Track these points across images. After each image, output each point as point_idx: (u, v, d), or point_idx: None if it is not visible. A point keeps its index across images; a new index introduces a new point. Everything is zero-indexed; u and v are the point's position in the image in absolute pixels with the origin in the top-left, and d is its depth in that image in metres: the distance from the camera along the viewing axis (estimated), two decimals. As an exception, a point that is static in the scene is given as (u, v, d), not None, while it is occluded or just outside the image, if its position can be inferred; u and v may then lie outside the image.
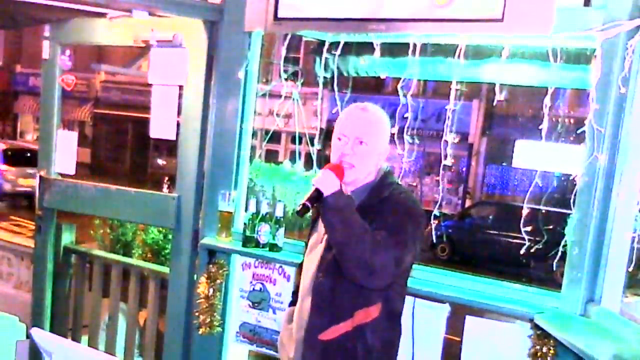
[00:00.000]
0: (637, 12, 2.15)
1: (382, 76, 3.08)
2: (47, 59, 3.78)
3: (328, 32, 2.92)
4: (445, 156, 2.76)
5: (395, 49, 2.84)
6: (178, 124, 3.30)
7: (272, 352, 3.07)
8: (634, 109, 2.18)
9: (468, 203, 17.73)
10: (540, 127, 2.44)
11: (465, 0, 2.45)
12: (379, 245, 1.97)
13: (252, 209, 2.98)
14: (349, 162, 2.11)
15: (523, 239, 2.59)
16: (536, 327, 2.32)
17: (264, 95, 3.29)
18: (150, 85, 3.36)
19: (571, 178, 2.34)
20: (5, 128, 29.07)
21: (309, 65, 3.28)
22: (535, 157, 2.91)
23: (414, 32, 2.64)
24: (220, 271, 3.11)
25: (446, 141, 2.76)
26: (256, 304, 3.11)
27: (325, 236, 2.13)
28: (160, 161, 22.58)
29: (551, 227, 2.82)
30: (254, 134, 3.24)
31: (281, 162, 3.55)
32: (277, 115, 3.25)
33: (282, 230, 2.97)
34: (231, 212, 3.10)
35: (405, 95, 2.80)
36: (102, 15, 3.48)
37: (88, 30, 3.63)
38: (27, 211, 14.81)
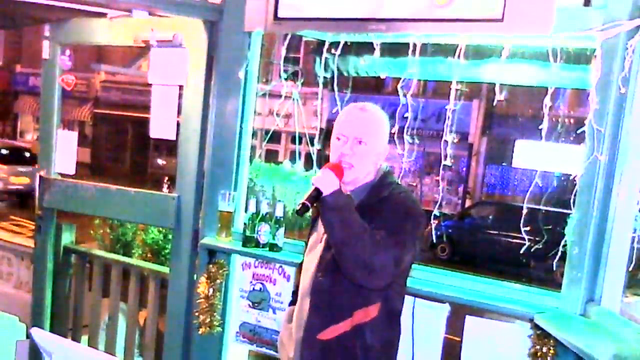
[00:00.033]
0: (637, 12, 2.14)
1: (382, 76, 3.08)
2: (47, 58, 3.78)
3: (328, 32, 2.92)
4: (445, 156, 2.76)
5: (395, 49, 2.84)
6: (178, 124, 3.30)
7: (272, 352, 3.07)
8: (634, 109, 2.18)
9: (468, 203, 17.74)
10: (540, 127, 2.44)
11: (465, 0, 2.44)
12: (378, 245, 1.97)
13: (252, 209, 2.98)
14: (348, 162, 2.11)
15: (523, 238, 2.59)
16: (536, 327, 2.32)
17: (264, 95, 3.29)
18: (150, 85, 3.36)
19: (571, 178, 2.34)
20: (5, 128, 29.08)
21: (309, 65, 3.28)
22: (535, 157, 2.91)
23: (414, 32, 2.64)
24: (220, 271, 3.11)
25: (446, 141, 2.76)
26: (256, 304, 3.11)
27: (325, 236, 2.14)
28: (160, 161, 22.59)
29: (551, 227, 2.82)
30: (254, 134, 3.23)
31: (281, 162, 3.55)
32: (277, 115, 3.25)
33: (282, 230, 2.97)
34: (231, 212, 3.10)
35: (405, 95, 2.80)
36: (102, 15, 3.48)
37: (88, 30, 3.63)
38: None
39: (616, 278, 2.23)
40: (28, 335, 4.00)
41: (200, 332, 3.13)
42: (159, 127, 3.36)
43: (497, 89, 2.62)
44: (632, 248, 2.22)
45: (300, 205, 2.02)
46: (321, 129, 3.26)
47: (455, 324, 2.66)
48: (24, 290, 4.92)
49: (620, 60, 2.17)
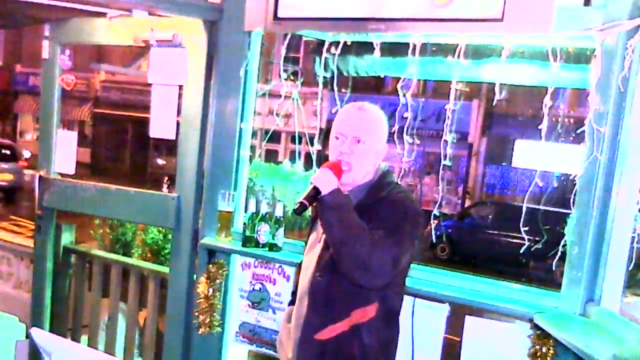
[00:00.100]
0: (637, 12, 2.14)
1: (382, 76, 3.08)
2: (47, 58, 3.78)
3: (328, 32, 2.92)
4: (445, 156, 2.76)
5: (395, 49, 2.84)
6: (178, 124, 3.30)
7: (271, 352, 3.07)
8: (634, 108, 2.18)
9: (468, 203, 17.74)
10: (540, 127, 2.44)
11: (465, 0, 2.44)
12: (376, 245, 1.97)
13: (252, 208, 2.98)
14: (347, 161, 2.11)
15: (523, 238, 2.59)
16: (536, 327, 2.32)
17: (263, 95, 3.29)
18: (150, 85, 3.36)
19: (571, 178, 2.34)
20: (5, 128, 29.08)
21: (309, 65, 3.28)
22: (535, 157, 2.91)
23: (413, 32, 2.64)
24: (220, 271, 3.11)
25: (446, 141, 2.76)
26: (256, 304, 3.11)
27: (324, 235, 2.13)
28: (160, 161, 22.59)
29: (551, 226, 2.82)
30: (254, 134, 3.23)
31: (281, 162, 3.55)
32: (277, 115, 3.25)
33: (281, 230, 2.97)
34: (231, 212, 3.10)
35: (405, 95, 2.80)
36: (102, 15, 3.48)
37: (88, 30, 3.63)
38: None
39: (616, 278, 2.22)
40: (28, 335, 4.00)
41: (200, 332, 3.13)
42: (159, 127, 3.35)
43: (497, 88, 2.62)
44: (632, 248, 2.22)
45: (299, 204, 2.01)
46: (321, 129, 3.26)
47: (455, 324, 2.66)
48: (24, 290, 4.92)
49: (620, 60, 2.17)
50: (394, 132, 2.70)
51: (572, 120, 2.68)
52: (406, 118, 2.77)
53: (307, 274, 2.21)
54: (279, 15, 2.89)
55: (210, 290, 3.10)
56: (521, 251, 2.74)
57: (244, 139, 3.15)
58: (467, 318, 2.59)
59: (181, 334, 3.31)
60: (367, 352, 2.11)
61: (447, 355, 2.67)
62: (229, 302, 3.19)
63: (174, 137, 3.32)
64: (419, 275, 2.64)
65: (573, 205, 2.31)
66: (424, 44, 2.70)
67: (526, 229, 2.54)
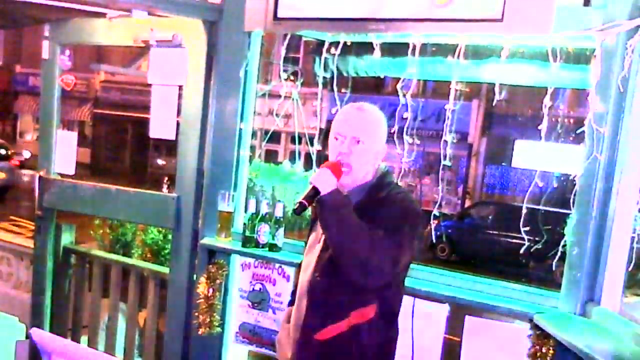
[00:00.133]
0: (636, 12, 2.14)
1: (382, 76, 3.08)
2: (47, 59, 3.78)
3: (327, 32, 2.92)
4: (445, 156, 2.76)
5: (395, 49, 2.84)
6: (178, 124, 3.30)
7: (271, 353, 3.06)
8: (634, 109, 2.18)
9: (468, 203, 17.74)
10: (539, 127, 2.44)
11: (465, 0, 2.44)
12: (375, 245, 1.97)
13: (252, 209, 2.98)
14: (347, 162, 2.11)
15: (523, 239, 2.59)
16: (536, 327, 2.32)
17: (263, 95, 3.29)
18: (150, 85, 3.36)
19: (571, 178, 2.34)
20: (5, 128, 29.08)
21: (309, 65, 3.28)
22: (535, 157, 2.91)
23: (413, 32, 2.64)
24: (220, 271, 3.11)
25: (446, 141, 2.76)
26: (256, 304, 3.11)
27: (323, 236, 2.13)
28: (159, 161, 22.58)
29: (551, 227, 2.82)
30: (254, 134, 3.24)
31: (281, 162, 3.55)
32: (277, 115, 3.25)
33: (281, 231, 2.97)
34: (231, 212, 3.10)
35: (404, 95, 2.80)
36: (102, 15, 3.48)
37: (88, 30, 3.63)
38: None
39: (616, 278, 2.23)
40: (28, 336, 4.00)
41: (199, 333, 3.12)
42: (159, 127, 3.36)
43: (496, 89, 2.62)
44: (631, 248, 2.22)
45: (298, 205, 2.02)
46: (321, 129, 3.26)
47: (455, 324, 2.66)
48: (24, 291, 4.92)
49: (619, 60, 2.17)
50: (393, 133, 2.70)
51: (572, 121, 2.69)
52: (406, 118, 2.77)
53: (307, 274, 2.21)
54: (279, 15, 2.89)
55: (210, 290, 3.10)
56: (521, 251, 2.74)
57: (244, 139, 3.15)
58: (467, 318, 2.59)
59: (181, 335, 3.31)
60: (366, 352, 2.11)
61: (447, 355, 2.67)
62: (229, 302, 3.19)
63: (173, 138, 3.32)
64: (419, 275, 2.65)
65: (573, 206, 2.32)
66: (424, 44, 2.70)
67: (526, 229, 2.54)
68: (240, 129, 3.13)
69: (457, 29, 2.49)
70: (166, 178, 5.48)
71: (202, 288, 3.11)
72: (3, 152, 17.64)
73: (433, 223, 2.79)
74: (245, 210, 3.07)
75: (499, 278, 2.70)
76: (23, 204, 15.73)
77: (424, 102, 3.29)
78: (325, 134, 2.42)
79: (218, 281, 3.11)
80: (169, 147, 18.65)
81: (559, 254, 2.39)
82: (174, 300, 3.36)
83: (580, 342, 2.02)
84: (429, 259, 12.58)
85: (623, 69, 2.16)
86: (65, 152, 3.82)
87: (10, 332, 4.10)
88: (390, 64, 2.92)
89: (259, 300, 3.11)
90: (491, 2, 2.37)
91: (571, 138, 2.46)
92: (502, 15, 2.35)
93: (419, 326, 2.61)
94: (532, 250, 2.69)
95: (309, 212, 2.14)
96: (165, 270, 3.68)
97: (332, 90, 3.17)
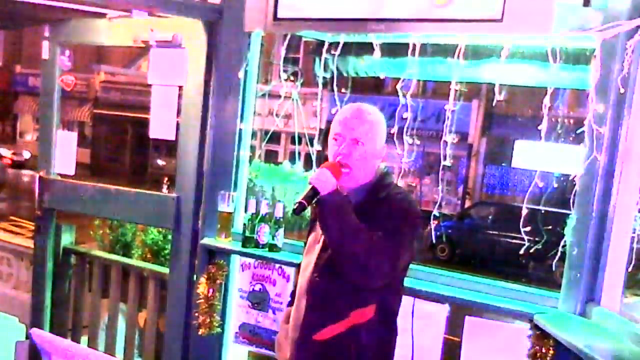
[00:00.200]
0: (636, 12, 2.15)
1: (382, 76, 3.08)
2: (47, 59, 3.78)
3: (327, 32, 2.92)
4: (445, 156, 2.76)
5: (394, 49, 2.84)
6: (177, 124, 3.30)
7: (271, 353, 3.05)
8: (634, 109, 2.18)
9: (468, 203, 17.74)
10: (539, 128, 2.44)
11: (465, 0, 2.45)
12: (374, 246, 1.97)
13: (252, 209, 2.98)
14: (346, 163, 2.11)
15: (522, 239, 2.59)
16: (535, 327, 2.32)
17: (263, 95, 3.29)
18: (150, 85, 3.36)
19: (571, 178, 2.34)
20: (5, 128, 29.09)
21: (309, 65, 3.28)
22: (535, 157, 2.91)
23: (413, 32, 2.64)
24: (220, 272, 3.11)
25: (445, 141, 2.76)
26: (256, 305, 3.11)
27: (322, 236, 2.13)
28: (159, 161, 22.59)
29: (551, 227, 2.82)
30: (254, 135, 3.23)
31: (281, 163, 3.56)
32: (277, 115, 3.24)
33: (281, 231, 2.97)
34: (231, 213, 3.09)
35: (404, 96, 2.80)
36: (102, 15, 3.48)
37: (88, 31, 3.63)
38: None
39: (616, 278, 2.23)
40: (28, 336, 4.00)
41: (199, 333, 3.12)
42: (159, 128, 3.35)
43: (496, 89, 2.62)
44: (631, 248, 2.22)
45: (297, 205, 2.01)
46: (321, 130, 3.26)
47: (455, 324, 2.66)
48: (24, 291, 4.92)
49: (619, 60, 2.17)
50: (393, 133, 2.69)
51: (571, 121, 2.68)
52: (406, 118, 2.77)
53: (306, 275, 2.21)
54: (279, 15, 2.89)
55: (210, 290, 3.09)
56: (521, 251, 2.74)
57: (244, 139, 3.15)
58: (467, 318, 2.59)
59: (181, 335, 3.31)
60: (365, 352, 2.11)
61: (447, 356, 2.67)
62: (229, 302, 3.19)
63: (173, 138, 3.32)
64: (419, 275, 2.64)
65: (573, 206, 2.32)
66: (424, 45, 2.70)
67: (526, 229, 2.54)
68: (240, 129, 3.13)
69: (457, 29, 2.49)
70: (166, 178, 5.48)
71: (202, 288, 3.10)
72: None
73: (433, 223, 2.79)
74: (245, 211, 3.07)
75: (499, 278, 2.70)
76: (23, 204, 15.75)
77: (423, 102, 3.29)
78: (325, 134, 2.42)
79: (218, 281, 3.11)
80: (169, 148, 18.67)
81: (559, 254, 2.39)
82: (174, 301, 3.36)
83: (580, 342, 2.02)
84: (429, 259, 12.58)
85: (623, 69, 2.16)
86: (65, 153, 3.81)
87: (10, 333, 4.09)
88: (390, 64, 2.92)
89: (259, 300, 3.11)
90: (491, 2, 2.37)
91: (571, 138, 2.46)
92: (502, 15, 2.35)
93: (419, 326, 2.61)
94: (532, 250, 2.69)
95: (308, 212, 2.14)
96: (165, 270, 3.68)
97: (332, 90, 3.17)
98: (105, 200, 3.60)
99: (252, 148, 3.24)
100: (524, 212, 2.54)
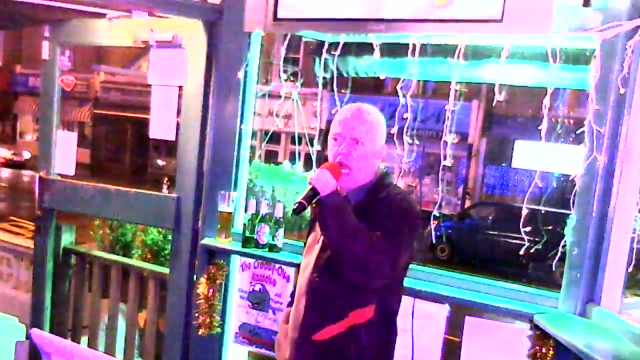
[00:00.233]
0: (636, 12, 2.15)
1: (382, 77, 3.08)
2: (47, 59, 3.78)
3: (327, 33, 2.92)
4: (445, 157, 2.76)
5: (394, 50, 2.84)
6: (178, 125, 3.30)
7: (271, 353, 3.05)
8: (634, 109, 2.19)
9: (468, 203, 17.74)
10: (539, 128, 2.44)
11: (465, 0, 2.45)
12: (374, 246, 1.97)
13: (252, 209, 2.98)
14: (346, 163, 2.11)
15: (523, 239, 2.59)
16: (536, 327, 2.32)
17: (263, 95, 3.29)
18: (150, 85, 3.36)
19: (571, 178, 2.34)
20: (5, 128, 29.09)
21: (309, 65, 3.28)
22: (535, 157, 2.91)
23: (413, 33, 2.64)
24: (220, 272, 3.11)
25: (445, 142, 2.76)
26: (256, 305, 3.11)
27: (322, 236, 2.13)
28: (159, 162, 22.59)
29: (551, 227, 2.82)
30: (254, 135, 3.23)
31: (281, 163, 3.55)
32: (277, 115, 3.24)
33: (281, 231, 2.97)
34: (231, 213, 3.09)
35: (404, 96, 2.80)
36: (102, 15, 3.48)
37: (88, 31, 3.63)
38: None
39: (616, 278, 2.23)
40: (28, 336, 4.00)
41: (199, 333, 3.12)
42: (159, 128, 3.35)
43: (496, 89, 2.62)
44: (631, 248, 2.22)
45: (297, 205, 2.02)
46: (321, 130, 3.26)
47: (455, 324, 2.66)
48: (24, 291, 4.92)
49: (619, 60, 2.17)
50: (393, 133, 2.69)
51: (571, 121, 2.68)
52: (406, 119, 2.77)
53: (305, 275, 2.21)
54: (279, 16, 2.89)
55: (210, 291, 3.10)
56: (521, 252, 2.73)
57: (244, 139, 3.15)
58: (467, 318, 2.59)
59: (181, 335, 3.31)
60: (364, 353, 2.11)
61: (447, 356, 2.67)
62: (229, 302, 3.19)
63: (173, 138, 3.32)
64: (419, 276, 2.64)
65: (573, 206, 2.32)
66: (424, 45, 2.70)
67: (526, 229, 2.54)
68: (240, 130, 3.13)
69: (457, 29, 2.49)
70: (166, 178, 5.48)
71: (202, 288, 3.11)
72: None
73: (433, 224, 2.79)
74: (245, 211, 3.07)
75: (499, 278, 2.70)
76: (23, 204, 15.75)
77: (423, 102, 3.29)
78: (325, 134, 2.42)
79: (218, 282, 3.11)
80: (169, 148, 18.69)
81: (559, 254, 2.39)
82: (174, 301, 3.36)
83: (580, 342, 2.02)
84: (429, 259, 12.59)
85: (623, 69, 2.16)
86: (65, 153, 3.82)
87: (10, 333, 4.09)
88: (390, 64, 2.92)
89: (259, 300, 3.11)
90: (491, 3, 2.37)
91: (571, 138, 2.46)
92: (502, 15, 2.35)
93: (419, 326, 2.61)
94: (532, 250, 2.69)
95: (308, 212, 2.14)
96: (165, 270, 3.68)
97: (332, 90, 3.17)
98: (105, 200, 3.60)
99: (252, 148, 3.24)
100: (524, 212, 2.54)
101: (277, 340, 2.41)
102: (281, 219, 2.96)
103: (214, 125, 3.18)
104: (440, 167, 2.81)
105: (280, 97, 3.20)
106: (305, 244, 2.37)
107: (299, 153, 3.38)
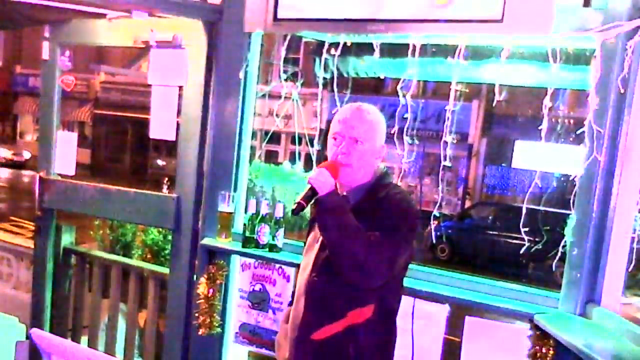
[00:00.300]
0: (636, 12, 2.15)
1: (382, 77, 3.08)
2: (47, 59, 3.78)
3: (327, 33, 2.92)
4: (445, 157, 2.76)
5: (394, 50, 2.84)
6: (178, 125, 3.30)
7: (271, 353, 3.06)
8: (634, 109, 2.19)
9: (468, 204, 17.74)
10: (539, 128, 2.44)
11: (465, 0, 2.45)
12: (372, 246, 1.97)
13: (252, 209, 2.98)
14: (345, 162, 2.11)
15: (523, 239, 2.59)
16: (536, 327, 2.32)
17: (263, 96, 3.29)
18: (150, 85, 3.36)
19: (571, 178, 2.34)
20: (5, 129, 29.08)
21: (309, 66, 3.28)
22: (535, 157, 2.91)
23: (413, 33, 2.64)
24: (220, 272, 3.11)
25: (446, 142, 2.76)
26: (256, 305, 3.11)
27: (321, 236, 2.13)
28: (160, 162, 22.59)
29: (550, 227, 2.82)
30: (254, 135, 3.23)
31: (281, 163, 3.56)
32: (277, 116, 3.24)
33: (281, 231, 2.97)
34: (231, 213, 3.10)
35: (404, 96, 2.80)
36: (102, 16, 3.48)
37: (88, 31, 3.63)
38: None
39: (616, 278, 2.23)
40: (28, 336, 3.99)
41: (200, 333, 3.12)
42: (159, 128, 3.35)
43: (496, 89, 2.62)
44: (631, 248, 2.22)
45: (296, 205, 2.02)
46: (321, 130, 3.26)
47: (455, 324, 2.66)
48: (24, 291, 4.92)
49: (619, 60, 2.17)
50: (393, 133, 2.69)
51: (572, 121, 2.69)
52: (406, 119, 2.77)
53: (305, 275, 2.21)
54: (279, 16, 2.89)
55: (210, 291, 3.10)
56: (521, 252, 2.74)
57: (244, 140, 3.15)
58: (467, 318, 2.59)
59: (181, 335, 3.31)
60: (363, 352, 2.11)
61: (447, 356, 2.67)
62: (229, 303, 3.19)
63: (174, 138, 3.32)
64: (419, 276, 2.64)
65: (573, 206, 2.32)
66: (424, 45, 2.70)
67: (526, 229, 2.54)
68: (240, 130, 3.13)
69: (457, 29, 2.50)
70: (166, 179, 5.48)
71: (202, 288, 3.11)
72: None
73: (433, 224, 2.79)
74: (246, 211, 3.07)
75: (499, 278, 2.70)
76: (23, 204, 15.75)
77: (424, 102, 3.29)
78: (325, 134, 2.42)
79: (218, 282, 3.11)
80: (169, 148, 18.68)
81: (559, 254, 2.39)
82: (174, 301, 3.36)
83: (580, 342, 2.02)
84: (429, 259, 12.59)
85: (623, 70, 2.16)
86: (65, 153, 3.81)
87: (10, 333, 4.09)
88: (390, 64, 2.92)
89: (259, 300, 3.11)
90: (491, 3, 2.38)
91: (571, 138, 2.46)
92: (502, 15, 2.35)
93: (419, 326, 2.61)
94: (532, 250, 2.70)
95: (308, 212, 2.14)
96: (165, 270, 3.68)
97: (332, 91, 3.17)
98: (105, 200, 3.60)
99: (252, 148, 3.24)
100: (524, 212, 2.54)
101: (277, 340, 2.41)
102: (281, 219, 2.96)
103: (214, 126, 3.18)
104: (441, 167, 2.81)
105: (280, 97, 3.20)
106: (304, 243, 2.37)
107: (299, 153, 3.38)
